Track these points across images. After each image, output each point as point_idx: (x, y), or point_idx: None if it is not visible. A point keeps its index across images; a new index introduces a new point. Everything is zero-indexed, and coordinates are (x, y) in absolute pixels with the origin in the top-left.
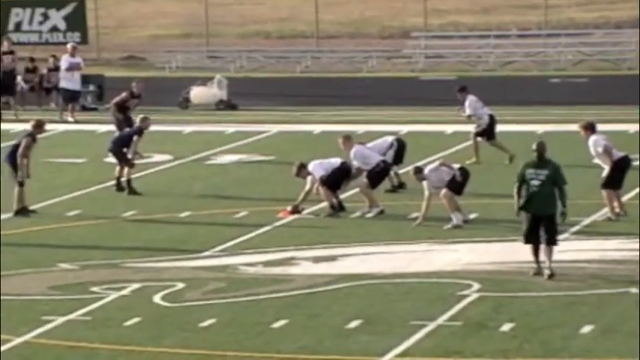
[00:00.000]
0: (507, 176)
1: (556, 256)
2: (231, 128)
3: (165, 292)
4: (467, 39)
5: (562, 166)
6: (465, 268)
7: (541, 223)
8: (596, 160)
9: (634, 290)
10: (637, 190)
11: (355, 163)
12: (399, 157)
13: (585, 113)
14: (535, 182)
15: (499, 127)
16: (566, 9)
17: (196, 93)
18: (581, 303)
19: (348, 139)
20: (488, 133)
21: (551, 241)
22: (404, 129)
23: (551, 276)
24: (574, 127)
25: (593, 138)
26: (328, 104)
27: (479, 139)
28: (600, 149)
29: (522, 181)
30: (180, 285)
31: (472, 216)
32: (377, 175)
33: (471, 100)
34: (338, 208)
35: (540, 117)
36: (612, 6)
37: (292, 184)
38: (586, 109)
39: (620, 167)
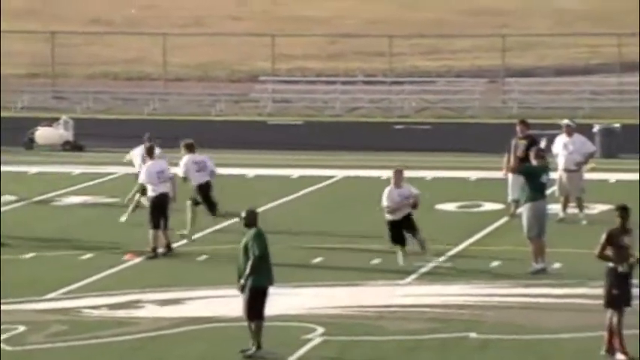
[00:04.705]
0: (352, 221)
1: (399, 301)
2: (77, 169)
3: (7, 335)
4: (314, 84)
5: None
6: (309, 312)
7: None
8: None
9: (473, 335)
10: (481, 234)
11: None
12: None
13: (428, 160)
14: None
15: (346, 172)
16: (410, 57)
17: (42, 133)
18: (424, 347)
19: None
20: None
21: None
22: (251, 172)
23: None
24: (419, 173)
25: None
26: (176, 147)
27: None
28: None
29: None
30: (22, 328)
31: (317, 260)
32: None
33: (187, 159)
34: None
35: (384, 163)
36: (454, 55)
37: (138, 227)
38: (429, 156)
39: None
